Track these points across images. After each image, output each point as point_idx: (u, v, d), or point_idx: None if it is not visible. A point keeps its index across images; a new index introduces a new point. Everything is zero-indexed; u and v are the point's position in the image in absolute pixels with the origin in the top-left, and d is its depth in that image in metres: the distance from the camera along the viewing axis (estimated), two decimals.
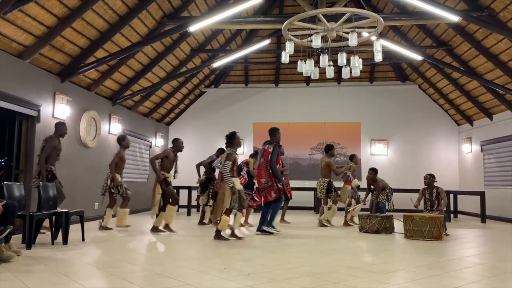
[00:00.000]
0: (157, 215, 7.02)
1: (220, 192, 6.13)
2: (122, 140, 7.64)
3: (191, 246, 5.57)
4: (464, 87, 11.02)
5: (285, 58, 6.99)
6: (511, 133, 9.99)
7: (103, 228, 7.33)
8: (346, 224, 8.44)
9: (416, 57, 10.11)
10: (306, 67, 6.87)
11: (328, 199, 8.38)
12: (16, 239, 5.53)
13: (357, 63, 6.72)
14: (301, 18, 6.23)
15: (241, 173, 7.97)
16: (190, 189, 10.91)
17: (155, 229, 7.00)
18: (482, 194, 9.86)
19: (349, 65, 6.87)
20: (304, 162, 12.75)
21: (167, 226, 7.07)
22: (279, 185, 6.80)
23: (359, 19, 6.71)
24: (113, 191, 7.26)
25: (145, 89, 10.22)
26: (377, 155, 12.98)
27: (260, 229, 6.88)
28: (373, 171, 8.63)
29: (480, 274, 4.08)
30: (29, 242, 5.11)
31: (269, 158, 6.79)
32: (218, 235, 6.06)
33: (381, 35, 7.69)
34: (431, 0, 7.28)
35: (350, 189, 8.53)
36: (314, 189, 10.24)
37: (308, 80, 13.50)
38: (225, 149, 8.05)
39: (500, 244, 6.23)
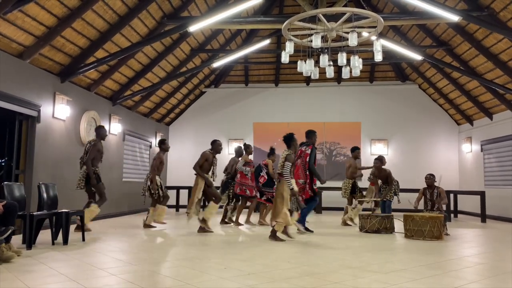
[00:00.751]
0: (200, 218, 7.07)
1: (278, 193, 6.13)
2: (162, 144, 7.99)
3: (191, 246, 5.57)
4: (464, 87, 11.02)
5: (285, 58, 6.99)
6: (511, 133, 9.99)
7: (147, 226, 7.69)
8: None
9: (416, 56, 10.11)
10: (306, 67, 6.88)
11: (353, 199, 8.49)
12: (17, 239, 5.54)
13: (357, 63, 6.72)
14: (301, 18, 6.23)
15: (261, 173, 8.31)
16: (190, 189, 10.87)
17: (202, 230, 7.05)
18: (482, 194, 9.87)
19: (349, 65, 6.87)
20: None
21: (203, 221, 7.06)
22: (314, 186, 7.00)
23: (359, 19, 6.71)
24: (152, 191, 7.59)
25: (145, 89, 10.22)
26: (377, 155, 12.95)
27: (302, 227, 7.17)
28: (380, 160, 8.39)
29: (480, 274, 4.08)
30: (29, 242, 5.12)
31: (307, 160, 6.99)
32: (273, 236, 6.07)
33: (381, 35, 7.69)
34: (431, 0, 7.28)
35: (374, 189, 8.50)
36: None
37: (308, 80, 13.51)
38: (243, 150, 8.47)
39: (500, 243, 6.23)
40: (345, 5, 8.18)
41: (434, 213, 7.10)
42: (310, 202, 7.02)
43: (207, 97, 14.02)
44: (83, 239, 5.85)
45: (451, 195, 10.83)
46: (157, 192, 7.60)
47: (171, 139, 13.90)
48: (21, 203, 5.34)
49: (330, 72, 7.19)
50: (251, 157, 8.60)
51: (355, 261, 4.64)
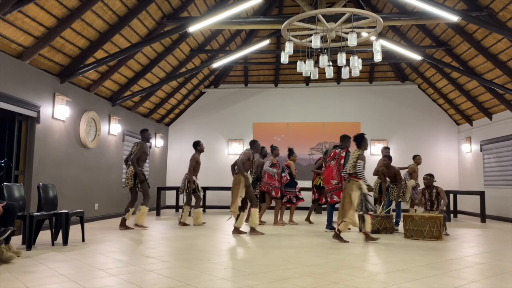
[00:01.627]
0: (237, 217, 6.99)
1: (346, 193, 6.19)
2: (197, 145, 8.44)
3: (192, 247, 5.57)
4: (464, 87, 11.02)
5: (284, 58, 6.99)
6: (511, 133, 9.99)
7: (182, 224, 8.09)
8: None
9: (416, 57, 10.12)
10: (305, 67, 6.88)
11: (382, 200, 8.38)
12: (16, 240, 5.54)
13: (356, 63, 6.72)
14: (300, 19, 6.23)
15: (283, 174, 8.57)
16: None
17: (236, 231, 6.92)
18: (481, 194, 9.86)
19: (349, 65, 6.87)
20: (304, 162, 12.75)
21: (252, 230, 6.89)
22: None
23: (359, 19, 6.72)
24: (187, 191, 8.14)
25: (144, 90, 10.22)
26: (377, 155, 12.93)
27: (329, 227, 7.41)
28: (389, 158, 8.14)
29: (480, 273, 4.08)
30: (29, 243, 5.12)
31: (341, 162, 7.29)
32: (337, 236, 6.11)
33: (380, 35, 7.70)
34: (431, 0, 7.29)
35: (411, 189, 8.32)
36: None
37: (307, 80, 13.51)
38: (268, 151, 8.74)
39: (500, 243, 6.23)
40: (345, 6, 8.19)
41: (434, 213, 7.11)
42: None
43: (207, 97, 14.03)
44: (83, 240, 5.85)
45: (451, 195, 10.83)
46: (191, 190, 8.10)
47: (171, 139, 13.91)
48: (21, 204, 5.34)
49: (329, 73, 7.20)
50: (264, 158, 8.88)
51: (355, 261, 4.64)
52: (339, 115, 13.34)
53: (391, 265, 4.41)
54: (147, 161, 12.00)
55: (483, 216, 9.66)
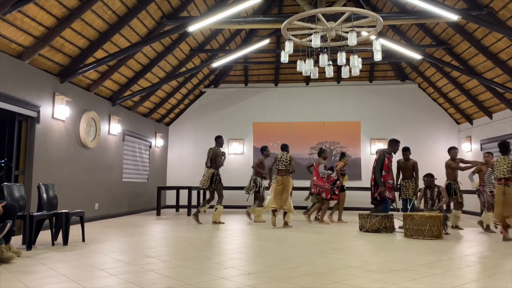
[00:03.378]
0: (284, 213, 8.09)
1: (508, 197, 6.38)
2: (263, 151, 9.36)
3: (192, 246, 5.57)
4: (464, 86, 11.02)
5: (284, 57, 6.99)
6: (511, 132, 9.98)
7: (258, 221, 8.87)
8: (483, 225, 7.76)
9: (416, 56, 10.11)
10: (305, 66, 6.88)
11: (451, 202, 8.36)
12: (16, 240, 5.54)
13: (356, 62, 6.72)
14: (300, 18, 6.22)
15: (332, 173, 8.90)
16: (189, 189, 10.88)
17: (286, 224, 7.98)
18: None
19: (349, 65, 6.87)
20: (304, 162, 12.72)
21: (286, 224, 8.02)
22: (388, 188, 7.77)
23: (359, 19, 6.71)
24: (253, 190, 9.06)
25: (144, 90, 10.22)
26: (373, 152, 12.95)
27: None
28: (408, 150, 8.31)
29: (481, 272, 4.08)
30: (29, 243, 5.12)
31: (386, 164, 7.81)
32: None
33: (380, 34, 7.69)
34: None
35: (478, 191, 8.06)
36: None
37: (307, 80, 13.51)
38: (322, 150, 9.13)
39: (500, 242, 6.23)
40: (344, 5, 8.18)
41: (435, 212, 7.10)
42: (383, 204, 7.82)
43: (207, 97, 14.02)
44: (83, 240, 5.85)
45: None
46: (256, 190, 9.06)
47: (171, 139, 13.90)
48: (21, 204, 5.35)
49: (329, 72, 7.19)
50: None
51: (355, 260, 4.64)
52: (339, 114, 13.33)
53: (391, 264, 4.41)
54: (147, 161, 12.03)
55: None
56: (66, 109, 7.82)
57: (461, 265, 4.42)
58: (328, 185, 8.74)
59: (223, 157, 8.56)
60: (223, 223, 8.54)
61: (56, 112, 7.61)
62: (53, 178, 7.34)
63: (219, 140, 8.72)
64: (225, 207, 12.87)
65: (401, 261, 4.57)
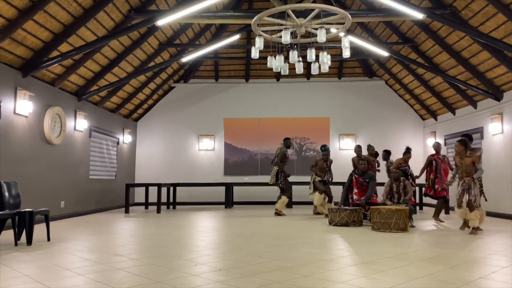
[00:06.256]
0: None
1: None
2: (287, 140, 9.65)
3: (161, 244, 5.50)
4: (429, 83, 11.36)
5: (255, 53, 6.98)
6: (473, 127, 10.37)
7: (277, 213, 9.19)
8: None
9: (383, 53, 10.33)
10: (275, 62, 6.90)
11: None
12: None
13: (325, 59, 6.80)
14: (270, 14, 6.23)
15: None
16: (159, 186, 10.72)
17: (316, 213, 9.34)
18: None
19: (318, 61, 6.95)
20: (270, 157, 12.81)
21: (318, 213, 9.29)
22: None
23: (328, 16, 6.78)
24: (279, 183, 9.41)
25: (112, 84, 9.98)
26: (346, 149, 13.20)
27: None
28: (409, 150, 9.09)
29: (444, 263, 4.22)
30: None
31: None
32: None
33: (349, 32, 7.81)
34: None
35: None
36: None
37: (278, 76, 13.57)
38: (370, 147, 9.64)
39: (462, 233, 6.47)
40: (314, 2, 8.25)
41: (401, 205, 7.29)
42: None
43: (176, 92, 13.85)
44: (48, 239, 5.68)
45: (417, 188, 11.13)
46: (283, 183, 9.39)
47: (139, 135, 13.66)
48: None
49: (299, 68, 7.25)
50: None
51: (325, 254, 4.72)
52: (309, 110, 13.48)
53: (360, 257, 4.51)
54: (115, 157, 11.79)
55: (447, 207, 9.99)
56: (29, 104, 7.54)
57: (425, 256, 4.57)
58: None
59: (287, 159, 9.39)
60: (285, 214, 9.20)
61: (18, 108, 7.33)
62: (16, 176, 7.07)
63: (286, 141, 9.50)
64: (193, 203, 12.89)
65: (369, 254, 4.68)
